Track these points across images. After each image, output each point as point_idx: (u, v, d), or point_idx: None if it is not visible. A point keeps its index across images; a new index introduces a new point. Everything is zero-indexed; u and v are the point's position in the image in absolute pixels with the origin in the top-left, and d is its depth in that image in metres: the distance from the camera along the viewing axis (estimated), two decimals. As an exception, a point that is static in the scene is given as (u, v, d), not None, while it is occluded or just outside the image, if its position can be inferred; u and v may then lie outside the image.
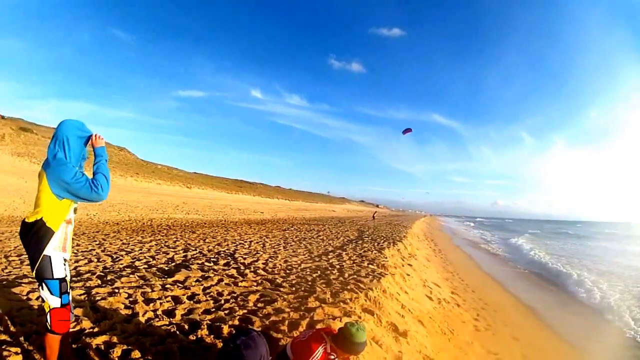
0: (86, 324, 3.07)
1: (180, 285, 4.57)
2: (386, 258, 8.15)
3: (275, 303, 4.14)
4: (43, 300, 2.15)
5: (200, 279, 4.94)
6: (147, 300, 3.86)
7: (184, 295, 4.19)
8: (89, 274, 4.70)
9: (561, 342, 5.95)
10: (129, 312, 3.49)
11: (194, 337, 3.07)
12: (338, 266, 6.79)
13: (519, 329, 6.20)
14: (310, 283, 5.24)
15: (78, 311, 3.21)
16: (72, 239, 2.32)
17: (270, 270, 6.01)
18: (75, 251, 6.17)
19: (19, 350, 2.52)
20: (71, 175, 2.06)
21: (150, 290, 4.19)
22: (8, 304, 3.28)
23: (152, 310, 3.58)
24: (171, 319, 3.42)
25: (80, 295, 3.77)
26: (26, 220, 2.09)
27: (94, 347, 2.71)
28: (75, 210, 2.23)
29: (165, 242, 8.32)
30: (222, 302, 4.07)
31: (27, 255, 2.17)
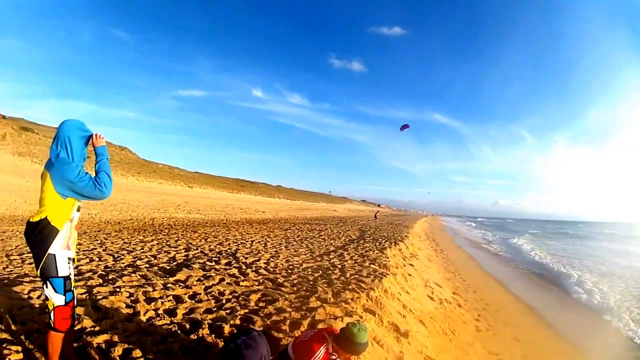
0: (87, 322, 3.07)
1: (181, 284, 4.57)
2: (388, 258, 8.14)
3: (277, 303, 4.13)
4: (47, 299, 2.16)
5: (202, 278, 4.94)
6: (149, 300, 3.86)
7: (185, 294, 4.19)
8: (90, 273, 4.71)
9: (562, 342, 5.94)
10: (130, 311, 3.49)
11: (195, 337, 3.06)
12: (339, 266, 6.78)
13: (520, 329, 6.19)
14: (311, 283, 5.24)
15: (79, 310, 3.21)
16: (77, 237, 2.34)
17: (271, 269, 6.00)
18: (77, 250, 6.17)
19: (19, 348, 2.53)
20: (75, 174, 2.09)
21: (151, 289, 4.19)
22: (9, 302, 3.28)
23: (153, 310, 3.58)
24: (172, 318, 3.42)
25: (81, 294, 3.77)
26: (31, 220, 2.12)
27: (95, 346, 2.71)
28: (78, 208, 2.26)
29: (167, 241, 8.33)
30: (224, 301, 4.06)
31: (30, 254, 2.18)
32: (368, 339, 2.47)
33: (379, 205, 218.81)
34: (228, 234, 11.07)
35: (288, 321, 3.59)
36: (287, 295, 4.46)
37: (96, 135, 2.31)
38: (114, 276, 4.63)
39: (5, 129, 45.58)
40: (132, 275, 4.76)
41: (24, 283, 3.93)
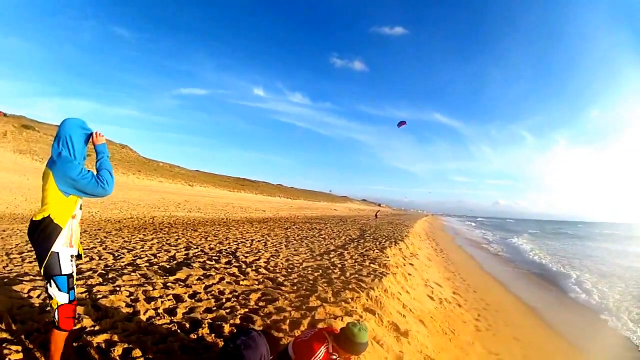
0: (87, 322, 3.06)
1: (181, 283, 4.57)
2: (388, 257, 8.14)
3: (277, 302, 4.13)
4: (50, 297, 2.16)
5: (202, 278, 4.94)
6: (149, 299, 3.86)
7: (185, 293, 4.19)
8: (90, 272, 4.70)
9: (561, 342, 5.95)
10: (130, 310, 3.48)
11: (195, 336, 3.06)
12: (340, 265, 6.78)
13: (520, 329, 6.19)
14: (311, 282, 5.24)
15: (79, 309, 3.20)
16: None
17: (271, 269, 6.00)
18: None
19: (19, 348, 2.52)
20: (77, 172, 2.11)
21: (151, 288, 4.19)
22: (9, 301, 3.28)
23: (153, 309, 3.57)
24: (172, 318, 3.42)
25: (81, 293, 3.77)
26: (33, 218, 2.13)
27: (94, 345, 2.71)
28: (80, 206, 2.29)
29: (167, 240, 8.33)
30: (224, 300, 4.06)
31: (30, 253, 2.19)
32: (368, 339, 2.47)
33: (379, 205, 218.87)
34: (228, 232, 11.07)
35: (288, 320, 3.59)
36: (287, 295, 4.46)
37: (96, 133, 2.33)
38: (114, 275, 4.63)
39: (6, 127, 45.57)
40: (132, 274, 4.76)
41: (24, 282, 3.93)
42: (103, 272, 4.79)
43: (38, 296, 3.55)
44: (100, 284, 4.20)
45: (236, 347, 2.23)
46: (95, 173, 2.20)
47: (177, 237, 8.90)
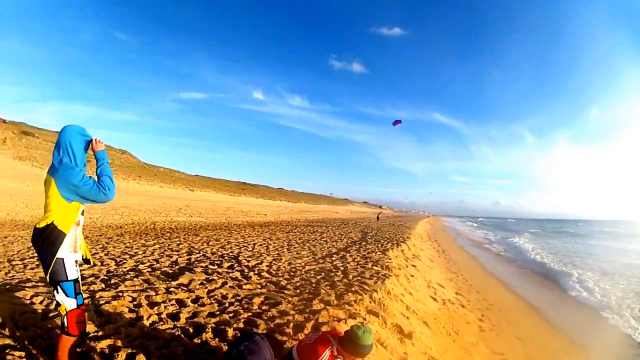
0: (90, 327, 3.05)
1: (184, 288, 4.56)
2: (390, 259, 8.12)
3: (280, 305, 4.12)
4: (58, 304, 2.20)
5: (204, 282, 4.93)
6: (152, 304, 3.85)
7: (188, 298, 4.18)
8: (92, 278, 4.70)
9: (564, 340, 5.94)
10: (133, 315, 3.48)
11: (199, 341, 3.05)
12: (342, 268, 6.77)
13: (523, 328, 6.18)
14: (314, 285, 5.23)
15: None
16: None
17: (274, 272, 5.99)
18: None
19: (22, 354, 2.52)
20: (79, 178, 2.14)
21: (154, 293, 4.18)
22: (11, 307, 3.27)
23: (156, 314, 3.57)
24: (176, 323, 3.41)
25: (84, 299, 3.76)
26: (37, 225, 2.15)
27: (98, 351, 2.70)
28: (82, 212, 2.31)
29: (169, 245, 8.32)
30: (227, 305, 4.05)
31: (32, 260, 2.21)
32: (372, 341, 2.46)
33: (380, 207, 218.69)
34: (230, 237, 11.06)
35: (291, 324, 3.58)
36: (290, 298, 4.45)
37: (96, 140, 2.36)
38: (117, 281, 4.62)
39: (5, 133, 45.63)
40: (135, 279, 4.76)
41: (26, 288, 3.92)
42: (105, 277, 4.78)
43: (40, 302, 3.55)
44: (102, 289, 4.20)
45: (240, 352, 2.23)
46: (96, 179, 2.23)
47: (178, 242, 8.89)
